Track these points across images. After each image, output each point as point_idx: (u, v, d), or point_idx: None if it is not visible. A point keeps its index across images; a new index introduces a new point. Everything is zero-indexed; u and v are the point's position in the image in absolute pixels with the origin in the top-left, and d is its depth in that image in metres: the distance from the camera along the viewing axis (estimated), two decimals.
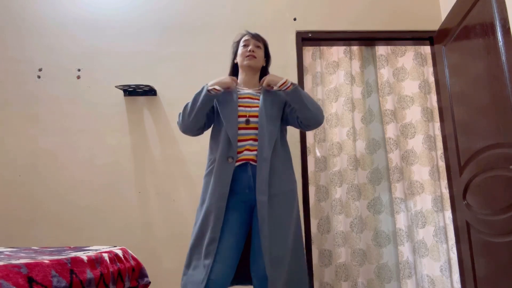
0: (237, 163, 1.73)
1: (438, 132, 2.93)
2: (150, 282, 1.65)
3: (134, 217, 2.58)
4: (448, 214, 2.80)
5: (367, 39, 2.94)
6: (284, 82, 1.73)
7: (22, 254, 1.35)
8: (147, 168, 2.65)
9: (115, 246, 1.62)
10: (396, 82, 3.06)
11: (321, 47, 3.06)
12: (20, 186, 2.59)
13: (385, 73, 3.00)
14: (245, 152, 1.74)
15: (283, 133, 1.87)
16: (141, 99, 2.73)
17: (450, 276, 2.74)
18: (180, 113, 1.84)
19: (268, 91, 1.84)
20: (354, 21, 2.88)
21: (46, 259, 1.11)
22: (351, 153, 2.89)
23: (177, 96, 2.71)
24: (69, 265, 1.13)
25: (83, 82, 2.74)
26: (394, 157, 2.89)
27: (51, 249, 1.58)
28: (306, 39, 2.86)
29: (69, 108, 2.70)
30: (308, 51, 3.06)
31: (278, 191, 1.71)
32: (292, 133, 2.55)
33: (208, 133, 1.93)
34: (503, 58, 2.03)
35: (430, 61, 3.00)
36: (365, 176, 2.92)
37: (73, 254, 1.26)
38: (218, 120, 1.82)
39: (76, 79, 2.74)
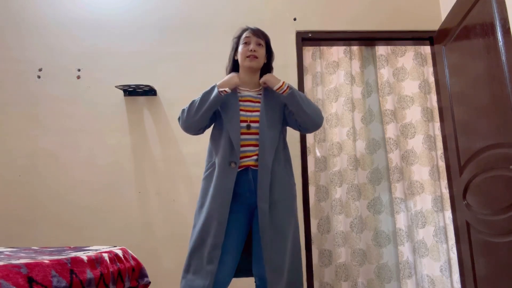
0: (238, 168, 1.72)
1: (438, 132, 2.93)
2: (150, 282, 1.65)
3: (134, 217, 2.58)
4: (448, 214, 2.80)
5: (367, 39, 2.94)
6: (281, 86, 1.71)
7: (22, 254, 1.35)
8: (147, 168, 2.65)
9: (115, 246, 1.62)
10: (396, 82, 3.06)
11: (321, 47, 3.06)
12: (20, 186, 2.59)
13: (385, 73, 3.00)
14: (246, 158, 1.73)
15: (283, 135, 1.85)
16: (141, 99, 2.73)
17: (450, 276, 2.74)
18: (184, 110, 1.80)
19: (269, 94, 1.83)
20: (354, 21, 2.88)
21: (46, 259, 1.11)
22: (351, 153, 2.89)
23: (177, 96, 2.71)
24: (69, 265, 1.13)
25: (83, 82, 2.74)
26: (394, 157, 2.89)
27: (51, 249, 1.58)
28: (306, 39, 2.86)
29: (69, 108, 2.70)
30: (308, 51, 3.06)
31: (279, 198, 1.70)
32: (292, 133, 2.55)
33: (207, 132, 1.92)
34: (503, 58, 2.03)
35: (430, 61, 3.00)
36: (365, 176, 2.92)
37: (73, 254, 1.26)
38: (219, 122, 1.80)
39: (76, 79, 2.75)
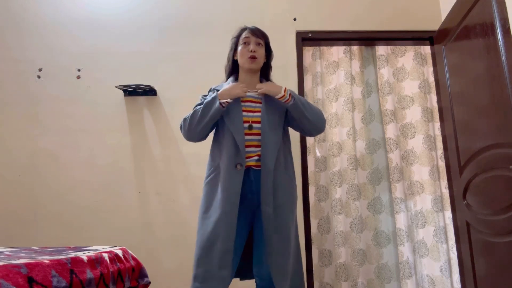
0: None
1: (438, 132, 2.93)
2: (150, 282, 1.65)
3: (134, 217, 2.58)
4: (448, 214, 2.80)
5: (367, 39, 2.94)
6: (283, 96, 1.70)
7: (22, 254, 1.35)
8: (147, 168, 2.65)
9: (115, 246, 1.62)
10: (396, 82, 3.06)
11: (321, 47, 3.06)
12: (20, 186, 2.60)
13: (385, 73, 3.00)
14: (248, 158, 1.72)
15: (285, 135, 1.84)
16: (141, 99, 2.73)
17: (450, 276, 2.74)
18: (186, 119, 1.77)
19: (270, 96, 1.82)
20: (354, 21, 2.88)
21: (46, 259, 1.11)
22: (351, 153, 2.89)
23: (177, 96, 2.71)
24: (69, 265, 1.13)
25: (83, 82, 2.74)
26: (394, 157, 2.89)
27: (51, 249, 1.58)
28: (306, 39, 2.86)
29: (69, 108, 2.70)
30: (308, 51, 3.06)
31: (282, 200, 1.69)
32: (292, 133, 2.53)
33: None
34: (503, 58, 2.03)
35: (430, 61, 3.00)
36: (365, 176, 2.92)
37: (73, 254, 1.26)
38: (222, 124, 1.77)
39: (76, 79, 2.75)
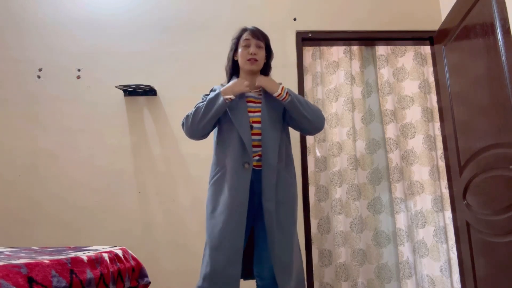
0: None
1: (438, 132, 2.93)
2: (150, 282, 1.64)
3: (134, 217, 2.58)
4: (448, 214, 2.80)
5: (367, 39, 2.94)
6: (279, 94, 1.70)
7: (22, 254, 1.35)
8: (147, 168, 2.65)
9: (115, 246, 1.62)
10: (396, 82, 3.06)
11: (321, 47, 3.06)
12: (20, 186, 2.60)
13: (385, 73, 3.00)
14: None
15: (285, 135, 1.84)
16: (141, 99, 2.73)
17: (450, 276, 2.74)
18: (188, 116, 1.77)
19: (269, 94, 1.82)
20: (354, 21, 2.88)
21: (46, 259, 1.11)
22: (351, 153, 2.89)
23: (177, 96, 2.71)
24: (69, 265, 1.13)
25: (83, 82, 2.74)
26: (394, 157, 2.89)
27: (51, 249, 1.58)
28: (306, 39, 2.86)
29: (69, 108, 2.70)
30: (308, 51, 3.06)
31: (283, 198, 1.70)
32: (292, 133, 2.53)
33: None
34: (503, 58, 2.03)
35: (430, 61, 3.00)
36: (365, 176, 2.92)
37: (73, 254, 1.26)
38: (227, 124, 1.77)
39: (76, 79, 2.75)
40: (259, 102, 1.79)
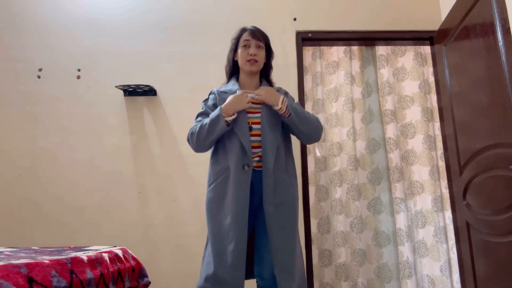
0: None
1: (438, 132, 2.93)
2: (150, 282, 1.64)
3: (134, 217, 2.58)
4: (448, 214, 2.80)
5: (367, 39, 2.94)
6: (279, 108, 1.69)
7: (22, 254, 1.35)
8: (147, 168, 2.65)
9: (115, 246, 1.62)
10: (396, 82, 3.06)
11: (321, 47, 3.06)
12: (20, 186, 2.60)
13: (385, 73, 3.00)
14: None
15: (285, 135, 1.83)
16: (141, 99, 2.73)
17: (450, 276, 2.74)
18: (193, 133, 1.75)
19: None
20: (354, 21, 2.88)
21: (46, 259, 1.11)
22: (351, 153, 2.89)
23: (177, 96, 2.72)
24: (69, 265, 1.13)
25: (83, 82, 2.74)
26: (394, 157, 2.89)
27: (51, 249, 1.58)
28: (306, 39, 2.86)
29: (69, 108, 2.70)
30: (308, 51, 3.05)
31: (284, 200, 1.70)
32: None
33: None
34: (503, 58, 2.03)
35: (430, 61, 3.00)
36: (365, 176, 2.91)
37: (73, 254, 1.26)
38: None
39: (76, 79, 2.75)
40: (259, 103, 1.78)
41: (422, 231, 2.84)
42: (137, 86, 2.63)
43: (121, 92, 2.71)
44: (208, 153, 1.84)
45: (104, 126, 2.68)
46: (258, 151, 1.71)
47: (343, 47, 3.04)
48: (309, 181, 2.76)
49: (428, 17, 2.88)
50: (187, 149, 2.63)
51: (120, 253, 1.51)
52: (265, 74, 1.92)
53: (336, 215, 2.82)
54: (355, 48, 3.07)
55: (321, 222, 2.86)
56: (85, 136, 2.67)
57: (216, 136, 1.71)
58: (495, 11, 2.09)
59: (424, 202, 2.87)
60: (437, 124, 2.93)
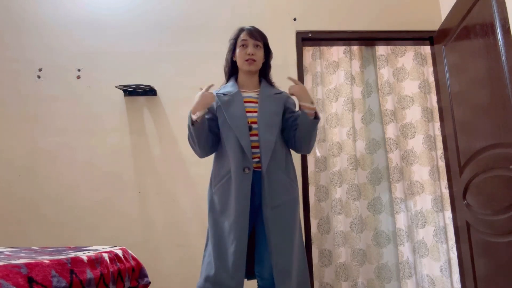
0: None
1: (438, 132, 2.93)
2: (150, 282, 1.65)
3: (134, 217, 2.58)
4: (448, 214, 2.80)
5: (367, 39, 2.94)
6: (313, 108, 1.68)
7: (22, 254, 1.35)
8: (147, 168, 2.65)
9: (115, 246, 1.62)
10: (396, 82, 3.06)
11: (321, 47, 3.06)
12: (20, 186, 2.60)
13: (385, 73, 3.00)
14: None
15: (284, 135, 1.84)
16: (141, 99, 2.73)
17: (450, 276, 2.74)
18: (188, 139, 1.78)
19: (265, 94, 1.81)
20: (354, 21, 2.88)
21: (46, 259, 1.11)
22: (351, 153, 2.89)
23: (177, 96, 2.72)
24: (69, 265, 1.13)
25: (83, 82, 2.74)
26: (394, 157, 2.89)
27: (51, 249, 1.58)
28: (306, 39, 2.86)
29: (69, 108, 2.70)
30: (308, 51, 3.05)
31: (283, 201, 1.70)
32: None
33: None
34: (503, 58, 2.03)
35: (430, 61, 3.00)
36: (365, 176, 2.91)
37: (73, 254, 1.26)
38: (226, 129, 1.74)
39: (76, 79, 2.75)
40: (257, 102, 1.78)
41: (422, 231, 2.84)
42: (137, 86, 2.63)
43: (121, 92, 2.71)
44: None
45: (104, 126, 2.68)
46: (258, 151, 1.71)
47: (343, 47, 3.04)
48: (309, 181, 2.76)
49: (428, 17, 2.88)
50: (187, 149, 2.63)
51: (120, 253, 1.52)
52: (264, 74, 1.91)
53: (336, 215, 2.82)
54: (355, 48, 3.07)
55: (321, 222, 2.86)
56: (85, 136, 2.67)
57: (200, 138, 1.69)
58: (495, 11, 2.10)
59: (424, 202, 2.87)
60: (437, 124, 2.93)
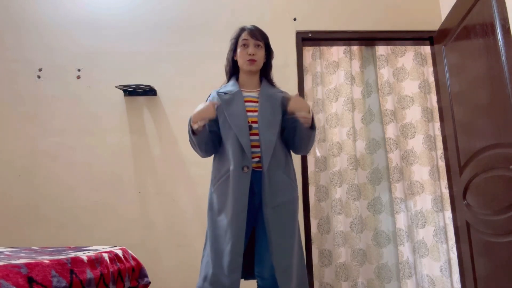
0: None
1: (438, 132, 2.93)
2: (150, 282, 1.65)
3: (134, 217, 2.58)
4: (448, 214, 2.80)
5: (367, 39, 2.94)
6: (307, 117, 1.67)
7: (22, 254, 1.35)
8: (147, 168, 2.65)
9: (115, 246, 1.62)
10: (396, 82, 3.06)
11: (321, 47, 3.06)
12: (20, 186, 2.59)
13: (385, 73, 3.00)
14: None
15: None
16: (141, 99, 2.73)
17: (450, 276, 2.74)
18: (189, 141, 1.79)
19: (266, 94, 1.81)
20: (354, 21, 2.88)
21: (46, 259, 1.11)
22: (351, 153, 2.89)
23: (177, 96, 2.72)
24: (69, 265, 1.13)
25: (83, 82, 2.74)
26: (394, 157, 2.89)
27: (51, 249, 1.58)
28: (306, 39, 2.86)
29: (69, 108, 2.70)
30: (308, 51, 3.05)
31: (283, 201, 1.69)
32: None
33: None
34: (503, 58, 2.03)
35: (430, 61, 3.00)
36: (365, 176, 2.92)
37: (73, 254, 1.26)
38: (226, 128, 1.74)
39: (76, 79, 2.75)
40: (257, 102, 1.78)
41: (422, 231, 2.84)
42: (137, 86, 2.63)
43: (121, 92, 2.71)
44: None
45: (104, 126, 2.68)
46: (258, 151, 1.71)
47: (343, 47, 3.04)
48: (309, 181, 2.76)
49: (428, 17, 2.88)
50: (187, 149, 2.63)
51: (120, 253, 1.52)
52: (265, 74, 1.91)
53: (336, 215, 2.82)
54: (355, 48, 3.07)
55: (321, 222, 2.86)
56: (85, 136, 2.67)
57: (201, 142, 1.71)
58: (495, 11, 2.09)
59: (424, 202, 2.87)
60: (437, 124, 2.93)
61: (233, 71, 1.90)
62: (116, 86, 2.64)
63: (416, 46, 3.05)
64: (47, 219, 2.55)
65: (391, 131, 2.93)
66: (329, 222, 2.85)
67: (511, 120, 1.98)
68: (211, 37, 2.79)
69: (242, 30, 1.84)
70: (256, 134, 1.72)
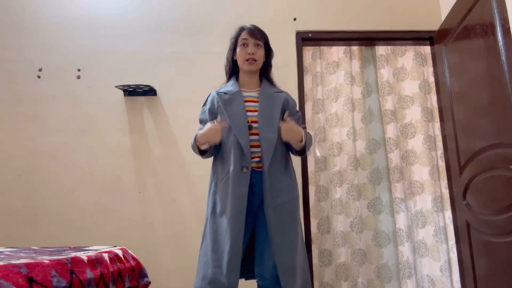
0: None
1: (438, 132, 2.93)
2: (150, 282, 1.65)
3: (134, 217, 2.58)
4: (448, 214, 2.80)
5: (367, 39, 2.94)
6: (300, 141, 1.71)
7: (22, 254, 1.35)
8: (147, 168, 2.65)
9: (115, 246, 1.62)
10: (396, 82, 3.06)
11: (321, 47, 3.06)
12: (20, 186, 2.59)
13: (385, 73, 3.00)
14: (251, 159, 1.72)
15: None
16: (141, 99, 2.73)
17: (450, 276, 2.74)
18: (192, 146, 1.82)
19: (266, 94, 1.81)
20: (354, 21, 2.88)
21: (46, 259, 1.11)
22: (351, 153, 2.89)
23: (177, 96, 2.72)
24: (69, 265, 1.13)
25: (83, 82, 2.74)
26: (394, 157, 2.89)
27: (51, 249, 1.58)
28: (306, 39, 2.86)
29: (69, 108, 2.70)
30: (308, 51, 3.06)
31: (284, 201, 1.69)
32: None
33: None
34: (503, 58, 2.03)
35: (430, 61, 3.00)
36: (365, 176, 2.92)
37: (73, 254, 1.26)
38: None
39: (76, 79, 2.75)
40: (258, 101, 1.78)
41: (422, 231, 2.84)
42: (137, 86, 2.63)
43: (121, 92, 2.71)
44: None
45: (104, 126, 2.68)
46: (259, 151, 1.71)
47: (343, 47, 3.04)
48: (309, 181, 2.76)
49: (428, 17, 2.88)
50: (187, 149, 2.64)
51: (120, 253, 1.52)
52: (265, 73, 1.91)
53: (336, 215, 2.82)
54: (355, 48, 3.07)
55: (321, 222, 2.86)
56: (85, 136, 2.67)
57: (208, 155, 1.77)
58: (495, 11, 2.10)
59: (424, 202, 2.87)
60: (437, 124, 2.93)
61: (233, 71, 1.89)
62: (116, 86, 2.64)
63: (416, 46, 3.05)
64: (47, 219, 2.55)
65: (391, 131, 2.93)
66: (329, 222, 2.85)
67: (511, 120, 1.98)
68: (211, 37, 2.79)
69: (242, 29, 1.84)
70: (256, 134, 1.71)
